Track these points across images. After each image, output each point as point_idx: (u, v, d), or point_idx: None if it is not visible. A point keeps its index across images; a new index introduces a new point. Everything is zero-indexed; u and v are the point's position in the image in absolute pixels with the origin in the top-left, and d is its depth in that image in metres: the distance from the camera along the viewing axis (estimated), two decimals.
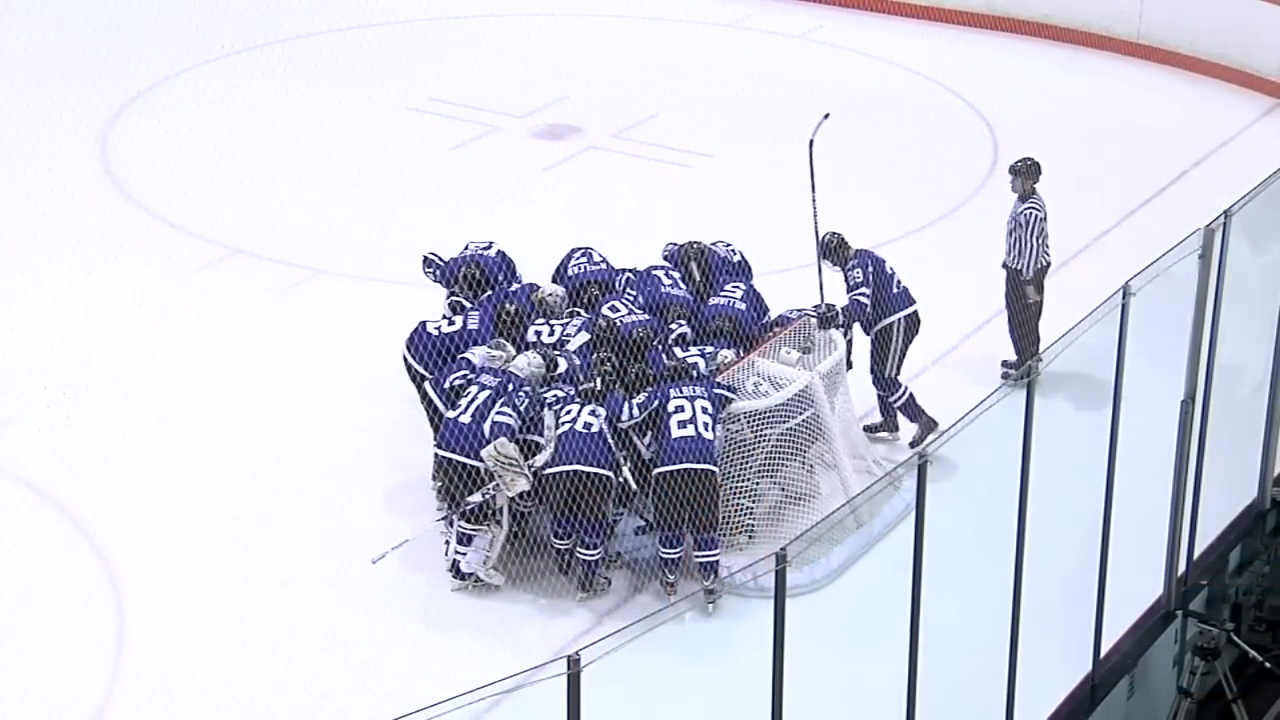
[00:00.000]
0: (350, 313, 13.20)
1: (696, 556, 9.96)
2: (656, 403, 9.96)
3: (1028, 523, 8.70)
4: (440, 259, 11.63)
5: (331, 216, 14.63)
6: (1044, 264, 12.08)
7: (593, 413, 9.97)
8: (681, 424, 9.87)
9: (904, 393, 11.33)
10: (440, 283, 11.62)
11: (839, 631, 9.52)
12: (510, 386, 10.10)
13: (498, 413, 9.97)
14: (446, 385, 10.42)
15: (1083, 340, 8.91)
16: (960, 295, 12.96)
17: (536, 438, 10.05)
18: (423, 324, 10.98)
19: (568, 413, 9.99)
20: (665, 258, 11.66)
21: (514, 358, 10.37)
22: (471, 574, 10.10)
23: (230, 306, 13.27)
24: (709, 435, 9.88)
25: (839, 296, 11.21)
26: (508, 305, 10.90)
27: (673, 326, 10.92)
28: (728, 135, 16.38)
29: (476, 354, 10.58)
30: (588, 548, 9.99)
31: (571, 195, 15.51)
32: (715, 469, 9.89)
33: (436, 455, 10.16)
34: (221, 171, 15.14)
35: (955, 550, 9.39)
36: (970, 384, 11.58)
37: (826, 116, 10.91)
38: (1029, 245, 11.95)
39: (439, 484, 10.40)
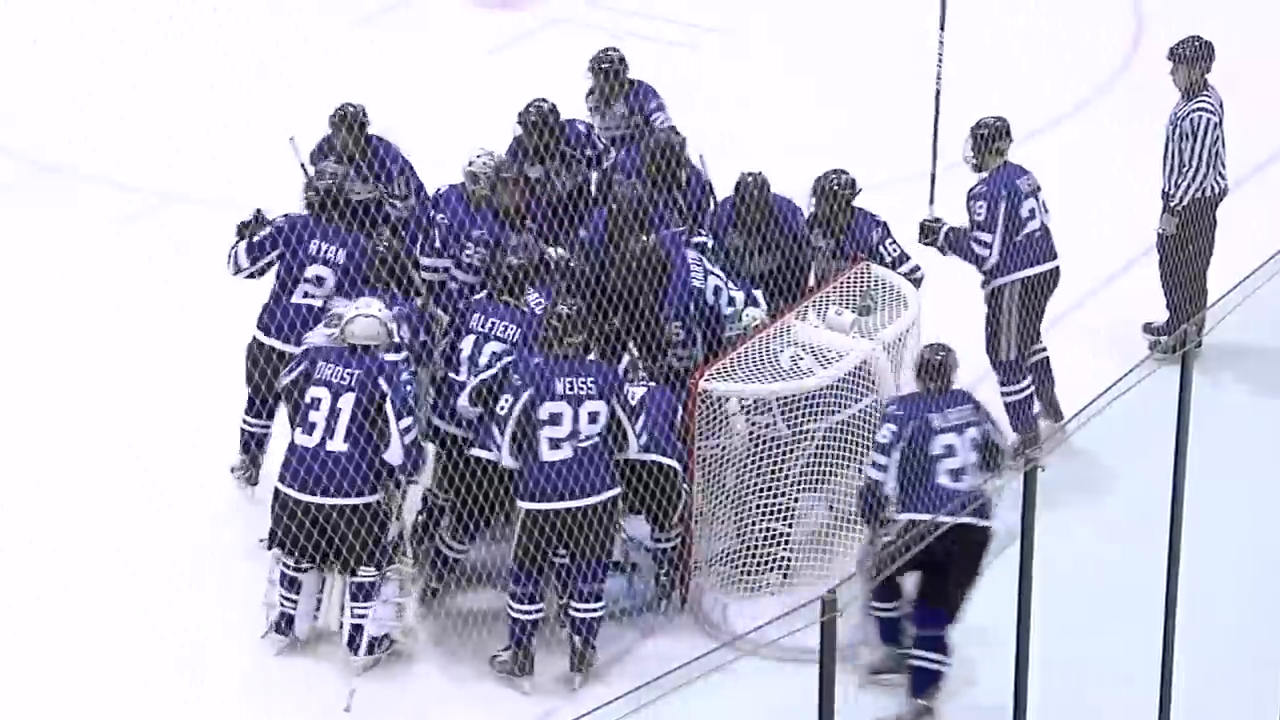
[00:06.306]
0: (216, 256, 13.17)
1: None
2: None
3: (1181, 555, 8.74)
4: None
5: (187, 122, 14.65)
6: (1216, 190, 12.10)
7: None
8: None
9: (1024, 389, 11.46)
10: None
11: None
12: (383, 378, 9.81)
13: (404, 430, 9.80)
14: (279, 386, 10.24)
15: (1261, 295, 8.96)
16: (1086, 230, 12.97)
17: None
18: None
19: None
20: None
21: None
22: (383, 637, 9.99)
23: (40, 248, 13.33)
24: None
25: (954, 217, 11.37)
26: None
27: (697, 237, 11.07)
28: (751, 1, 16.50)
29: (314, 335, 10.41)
30: (586, 599, 9.90)
31: (529, 90, 15.49)
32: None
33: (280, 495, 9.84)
34: (19, 57, 15.12)
35: (1077, 593, 9.44)
36: (1099, 357, 11.65)
37: None
38: (1195, 162, 11.97)
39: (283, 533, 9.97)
